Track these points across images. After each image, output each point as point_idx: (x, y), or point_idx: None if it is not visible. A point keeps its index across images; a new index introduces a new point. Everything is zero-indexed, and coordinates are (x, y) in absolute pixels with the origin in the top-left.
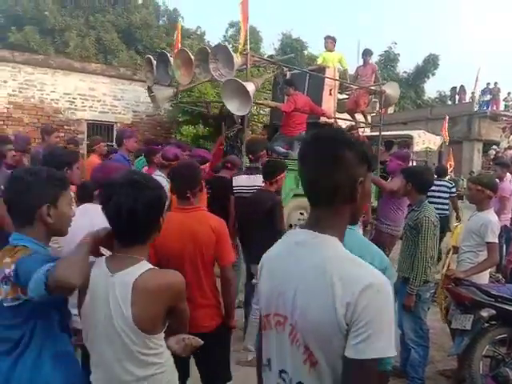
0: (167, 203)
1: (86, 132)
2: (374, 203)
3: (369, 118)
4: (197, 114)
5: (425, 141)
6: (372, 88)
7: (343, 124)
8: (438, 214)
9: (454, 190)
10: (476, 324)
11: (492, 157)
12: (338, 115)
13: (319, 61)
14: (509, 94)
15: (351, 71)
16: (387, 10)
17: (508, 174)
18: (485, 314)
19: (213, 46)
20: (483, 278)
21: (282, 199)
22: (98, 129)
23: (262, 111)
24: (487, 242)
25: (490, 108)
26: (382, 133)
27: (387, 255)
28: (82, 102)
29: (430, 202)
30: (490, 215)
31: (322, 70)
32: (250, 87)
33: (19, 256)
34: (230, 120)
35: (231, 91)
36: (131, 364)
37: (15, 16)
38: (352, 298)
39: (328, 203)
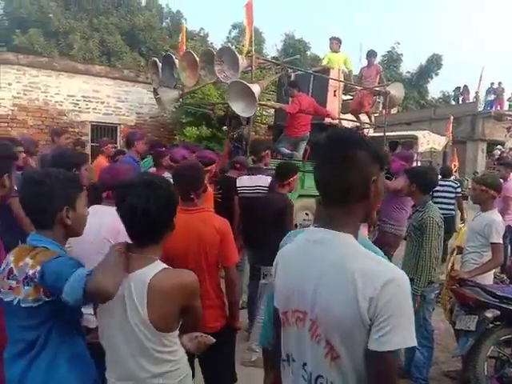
0: None
1: (89, 134)
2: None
3: (372, 118)
4: (200, 115)
5: (429, 141)
6: (376, 89)
7: (347, 125)
8: (444, 214)
9: (459, 190)
10: (480, 325)
11: (497, 157)
12: (343, 116)
13: (324, 62)
14: None
15: (355, 72)
16: (390, 10)
17: None
18: (489, 314)
19: (216, 47)
20: (487, 279)
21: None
22: (102, 131)
23: (265, 112)
24: (491, 243)
25: (494, 108)
26: (386, 133)
27: (391, 255)
28: (86, 104)
29: (436, 203)
30: (494, 215)
31: (326, 71)
32: (256, 89)
33: (43, 258)
34: (235, 121)
35: (236, 93)
36: (146, 361)
37: (19, 19)
38: (374, 293)
39: (342, 202)
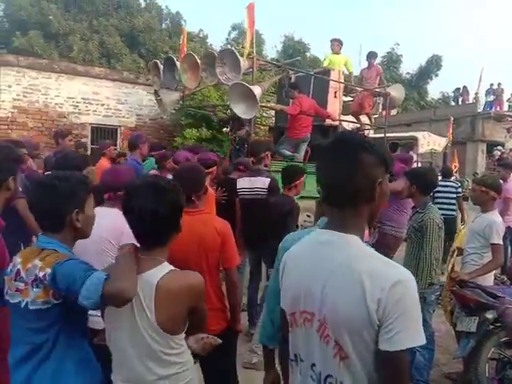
0: None
1: (89, 136)
2: None
3: (372, 119)
4: (200, 117)
5: (430, 142)
6: (377, 90)
7: (347, 126)
8: (445, 215)
9: (460, 190)
10: (481, 326)
11: (497, 158)
12: (343, 117)
13: (325, 63)
14: None
15: (355, 73)
16: (389, 10)
17: None
18: (490, 316)
19: (215, 48)
20: (488, 280)
21: None
22: (102, 132)
23: (265, 114)
24: (492, 244)
25: (493, 109)
26: (387, 134)
27: (391, 257)
28: (86, 106)
29: (437, 203)
30: (495, 216)
31: (326, 72)
32: (257, 91)
33: (53, 260)
34: (237, 123)
35: (238, 95)
36: (154, 363)
37: (19, 21)
38: (382, 294)
39: (348, 204)
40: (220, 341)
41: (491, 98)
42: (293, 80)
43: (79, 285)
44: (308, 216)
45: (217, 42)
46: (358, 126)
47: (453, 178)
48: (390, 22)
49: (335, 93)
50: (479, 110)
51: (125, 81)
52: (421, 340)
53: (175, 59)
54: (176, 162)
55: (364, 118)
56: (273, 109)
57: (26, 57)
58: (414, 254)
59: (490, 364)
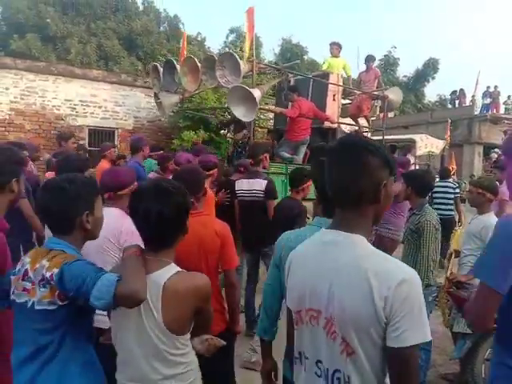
0: None
1: (87, 138)
2: None
3: (370, 122)
4: (198, 119)
5: (427, 145)
6: (375, 93)
7: (345, 129)
8: (444, 215)
9: (457, 190)
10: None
11: (493, 160)
12: (342, 120)
13: (324, 66)
14: (509, 97)
15: (353, 77)
16: (387, 13)
17: None
18: None
19: (213, 51)
20: None
21: None
22: (100, 135)
23: (262, 116)
24: None
25: (490, 111)
26: (385, 137)
27: None
28: (84, 109)
29: (435, 204)
30: (491, 218)
31: (325, 75)
32: (256, 93)
33: (60, 260)
34: (238, 126)
35: (237, 98)
36: (159, 363)
37: (17, 23)
38: (389, 292)
39: (354, 205)
40: (224, 342)
41: (488, 100)
42: (292, 83)
43: (90, 286)
44: (308, 218)
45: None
46: (357, 128)
47: (451, 179)
48: (387, 26)
49: (334, 96)
50: (476, 113)
51: (122, 83)
52: (427, 337)
53: (175, 62)
54: (177, 163)
55: (362, 121)
56: (272, 111)
57: (24, 59)
58: (411, 255)
59: (487, 365)
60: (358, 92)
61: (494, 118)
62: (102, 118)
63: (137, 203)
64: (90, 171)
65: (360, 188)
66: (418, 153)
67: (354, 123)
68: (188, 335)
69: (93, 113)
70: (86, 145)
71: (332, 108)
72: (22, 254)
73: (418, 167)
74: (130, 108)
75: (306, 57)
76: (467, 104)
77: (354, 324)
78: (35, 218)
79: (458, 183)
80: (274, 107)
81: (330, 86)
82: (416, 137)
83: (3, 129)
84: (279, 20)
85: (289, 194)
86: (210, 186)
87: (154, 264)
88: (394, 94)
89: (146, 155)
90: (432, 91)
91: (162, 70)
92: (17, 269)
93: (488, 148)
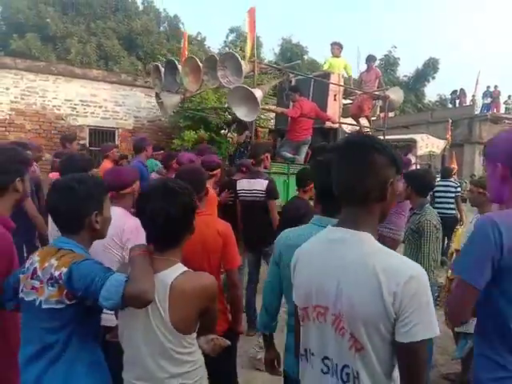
0: None
1: (87, 138)
2: None
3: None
4: (198, 119)
5: (428, 144)
6: (376, 93)
7: (346, 129)
8: (446, 214)
9: (459, 189)
10: None
11: None
12: (343, 120)
13: (325, 66)
14: (509, 97)
15: (353, 77)
16: (387, 13)
17: None
18: None
19: (213, 51)
20: None
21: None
22: (100, 135)
23: (263, 116)
24: None
25: (490, 111)
26: (385, 137)
27: None
28: (84, 109)
29: (437, 203)
30: None
31: (326, 75)
32: (258, 93)
33: (69, 260)
34: (240, 126)
35: (239, 98)
36: (166, 362)
37: (17, 23)
38: (397, 288)
39: (361, 203)
40: (229, 342)
41: (488, 100)
42: (293, 83)
43: (99, 286)
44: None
45: (215, 44)
46: (358, 128)
47: (452, 179)
48: (388, 26)
49: (335, 96)
50: (476, 113)
51: (122, 83)
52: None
53: (176, 62)
54: (180, 163)
55: (363, 121)
56: (274, 111)
57: (24, 59)
58: (411, 255)
59: None
60: (359, 92)
61: (494, 118)
62: (102, 117)
63: (144, 203)
64: (93, 171)
65: (367, 186)
66: (419, 153)
67: (355, 123)
68: (194, 334)
69: (93, 113)
70: (87, 145)
71: (333, 108)
72: (25, 253)
73: (418, 167)
74: (130, 108)
75: (306, 56)
76: (467, 104)
77: (363, 320)
78: (39, 218)
79: (459, 182)
80: (274, 107)
81: (331, 86)
82: (417, 137)
83: (4, 129)
84: (279, 20)
85: (296, 193)
86: (213, 186)
87: (161, 263)
88: (395, 94)
89: (149, 155)
90: (432, 91)
91: (163, 70)
92: (25, 267)
93: None
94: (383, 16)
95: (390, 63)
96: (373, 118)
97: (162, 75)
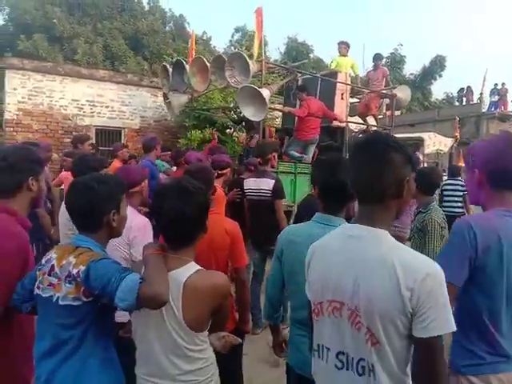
0: None
1: (94, 138)
2: None
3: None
4: (203, 118)
5: (435, 143)
6: (384, 92)
7: (352, 127)
8: (454, 212)
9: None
10: None
11: None
12: (350, 119)
13: (333, 65)
14: None
15: (360, 75)
16: (392, 11)
17: None
18: None
19: (219, 51)
20: None
21: (297, 201)
22: (106, 135)
23: (269, 115)
24: None
25: (498, 109)
26: (392, 135)
27: None
28: (91, 108)
29: (445, 201)
30: None
31: (333, 74)
32: (266, 93)
33: (87, 258)
34: (248, 125)
35: (247, 97)
36: (179, 359)
37: (24, 24)
38: (414, 284)
39: (378, 200)
40: (240, 340)
41: (495, 98)
42: (300, 82)
43: (115, 287)
44: None
45: (220, 44)
46: (365, 127)
47: (460, 177)
48: (394, 24)
49: (342, 94)
50: (483, 110)
51: (129, 83)
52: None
53: (184, 62)
54: (187, 162)
55: (370, 119)
56: (281, 111)
57: (31, 60)
58: None
59: None
60: (367, 91)
61: (502, 116)
62: (108, 117)
63: (159, 202)
64: (103, 171)
65: (384, 184)
66: (427, 151)
67: (362, 122)
68: (206, 332)
69: (99, 113)
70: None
71: (340, 107)
72: (34, 252)
73: (426, 165)
74: (136, 108)
75: (311, 55)
76: (475, 102)
77: (380, 315)
78: (47, 218)
79: None
80: (282, 107)
81: (338, 84)
82: (424, 135)
83: (11, 129)
84: (284, 19)
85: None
86: (222, 185)
87: (175, 262)
88: (403, 93)
89: (158, 154)
90: (439, 89)
91: (171, 70)
92: (42, 264)
93: None
94: (389, 15)
95: (396, 61)
96: (379, 117)
97: (170, 75)
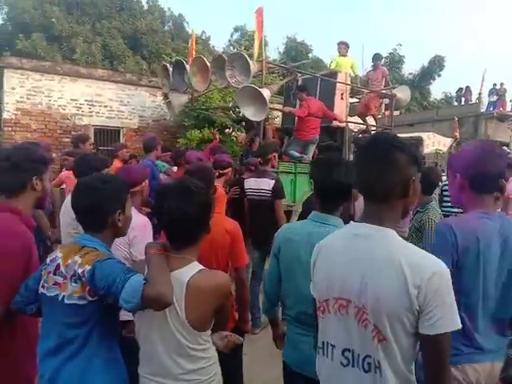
0: None
1: (93, 137)
2: None
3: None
4: (202, 118)
5: (434, 143)
6: (383, 92)
7: (351, 126)
8: (454, 213)
9: None
10: None
11: None
12: (349, 119)
13: (333, 65)
14: None
15: (360, 75)
16: (391, 11)
17: None
18: None
19: (218, 50)
20: None
21: (297, 201)
22: (105, 134)
23: (268, 115)
24: None
25: (496, 109)
26: None
27: None
28: (89, 108)
29: (445, 202)
30: None
31: (333, 74)
32: (266, 93)
33: (93, 258)
34: (248, 125)
35: (247, 97)
36: (182, 358)
37: (23, 23)
38: (422, 282)
39: (384, 199)
40: (242, 339)
41: (494, 98)
42: (300, 82)
43: (120, 288)
44: None
45: (219, 43)
46: (364, 127)
47: None
48: (392, 24)
49: (342, 94)
50: (482, 110)
51: (127, 83)
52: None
53: (185, 62)
54: (188, 162)
55: (370, 119)
56: (281, 111)
57: (30, 59)
58: None
59: None
60: (366, 91)
61: (500, 116)
62: (107, 117)
63: (161, 202)
64: (105, 171)
65: (390, 184)
66: (426, 151)
67: (361, 122)
68: (209, 331)
69: (98, 112)
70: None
71: (340, 107)
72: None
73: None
74: (135, 107)
75: (310, 55)
76: (473, 102)
77: (387, 313)
78: (44, 220)
79: None
80: (282, 107)
81: (338, 84)
82: (423, 135)
83: (10, 128)
84: (283, 18)
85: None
86: (224, 184)
87: (178, 261)
88: (403, 93)
89: (159, 154)
90: (438, 89)
91: (171, 70)
92: (47, 262)
93: None
94: (388, 15)
95: (395, 61)
96: (378, 117)
97: (170, 75)
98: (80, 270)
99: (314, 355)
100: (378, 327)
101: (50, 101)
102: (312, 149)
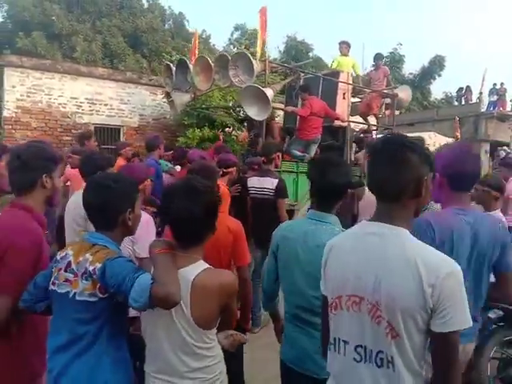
0: None
1: (93, 136)
2: None
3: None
4: (202, 117)
5: (435, 142)
6: (385, 92)
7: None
8: None
9: None
10: (484, 325)
11: (501, 157)
12: (351, 118)
13: (334, 65)
14: None
15: (361, 75)
16: (392, 11)
17: None
18: (492, 315)
19: (218, 49)
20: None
21: (299, 200)
22: (105, 132)
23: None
24: None
25: (496, 108)
26: None
27: None
28: (89, 106)
29: None
30: (499, 215)
31: (335, 74)
32: (269, 92)
33: (103, 256)
34: (249, 124)
35: (250, 97)
36: (187, 356)
37: (23, 22)
38: (436, 281)
39: (396, 199)
40: (247, 338)
41: (494, 97)
42: (302, 82)
43: (129, 287)
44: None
45: (219, 42)
46: (366, 126)
47: None
48: (393, 24)
49: (344, 94)
50: (482, 110)
51: (128, 81)
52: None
53: (188, 61)
54: (190, 160)
55: (372, 119)
56: (284, 110)
57: (30, 57)
58: None
59: (492, 363)
60: (368, 90)
61: (500, 116)
62: (107, 115)
63: (168, 202)
64: (110, 169)
65: (401, 184)
66: None
67: (363, 121)
68: (214, 330)
69: (98, 110)
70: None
71: (342, 106)
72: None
73: None
74: (135, 106)
75: (311, 54)
76: (473, 101)
77: (401, 310)
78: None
79: None
80: (285, 106)
81: (339, 84)
82: (424, 134)
83: (10, 127)
84: (283, 17)
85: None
86: (228, 183)
87: (183, 260)
88: (404, 93)
89: (162, 153)
90: (438, 88)
91: (174, 69)
92: (57, 259)
93: (495, 145)
94: (388, 14)
95: (395, 60)
96: (379, 116)
97: (174, 74)
98: (91, 268)
99: (310, 353)
100: (392, 324)
101: (50, 99)
102: (314, 148)
